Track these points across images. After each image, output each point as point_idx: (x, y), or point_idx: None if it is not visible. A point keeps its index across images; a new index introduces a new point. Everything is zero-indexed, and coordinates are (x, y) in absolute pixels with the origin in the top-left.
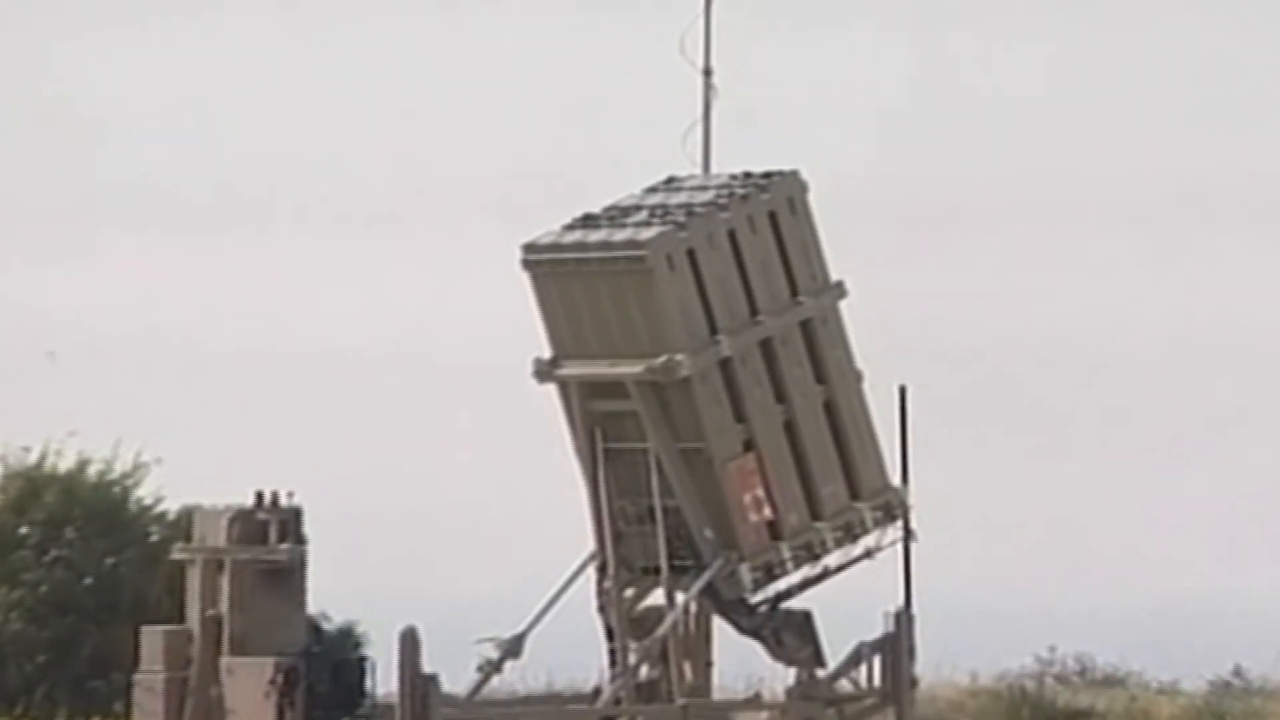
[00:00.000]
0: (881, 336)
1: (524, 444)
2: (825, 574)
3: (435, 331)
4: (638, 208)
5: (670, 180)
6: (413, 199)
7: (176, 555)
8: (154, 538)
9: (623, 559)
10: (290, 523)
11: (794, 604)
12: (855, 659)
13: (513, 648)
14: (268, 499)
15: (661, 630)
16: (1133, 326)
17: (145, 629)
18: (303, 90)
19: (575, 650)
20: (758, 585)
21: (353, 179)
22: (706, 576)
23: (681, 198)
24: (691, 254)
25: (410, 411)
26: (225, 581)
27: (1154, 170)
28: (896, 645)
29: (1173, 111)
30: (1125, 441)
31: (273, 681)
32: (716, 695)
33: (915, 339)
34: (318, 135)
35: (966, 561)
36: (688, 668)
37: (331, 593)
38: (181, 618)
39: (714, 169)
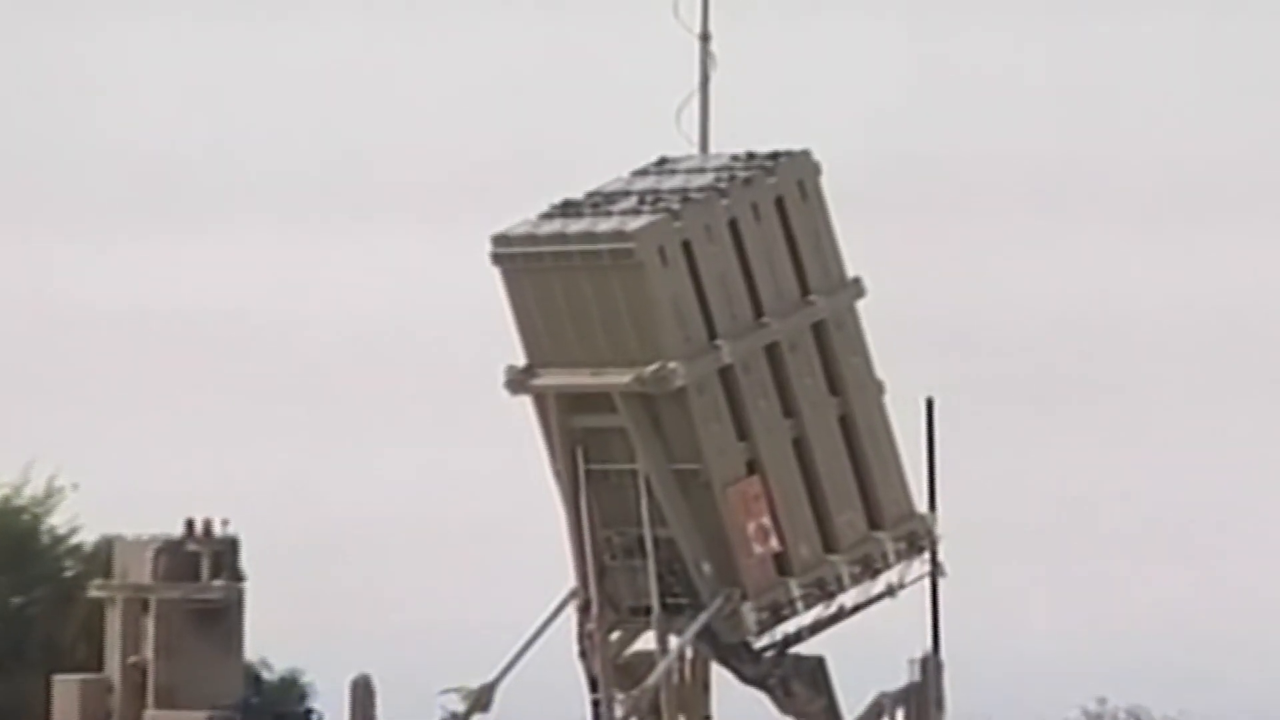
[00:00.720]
0: (901, 339)
1: (496, 464)
2: (841, 614)
3: (395, 336)
4: (625, 193)
5: (662, 161)
6: (361, 185)
7: (94, 593)
8: (68, 573)
9: (608, 597)
10: (225, 555)
11: (805, 649)
12: (876, 712)
13: (481, 699)
14: (199, 528)
15: (653, 679)
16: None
17: (58, 678)
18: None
19: (553, 702)
20: (763, 627)
21: (300, 157)
22: (704, 618)
23: (675, 181)
24: (687, 246)
25: (367, 425)
26: (150, 623)
27: (1182, 154)
28: (923, 696)
29: (1196, 92)
30: (1196, 452)
31: None
32: None
33: (940, 342)
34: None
35: (1002, 598)
36: None
37: (273, 636)
38: (100, 666)
39: (712, 148)
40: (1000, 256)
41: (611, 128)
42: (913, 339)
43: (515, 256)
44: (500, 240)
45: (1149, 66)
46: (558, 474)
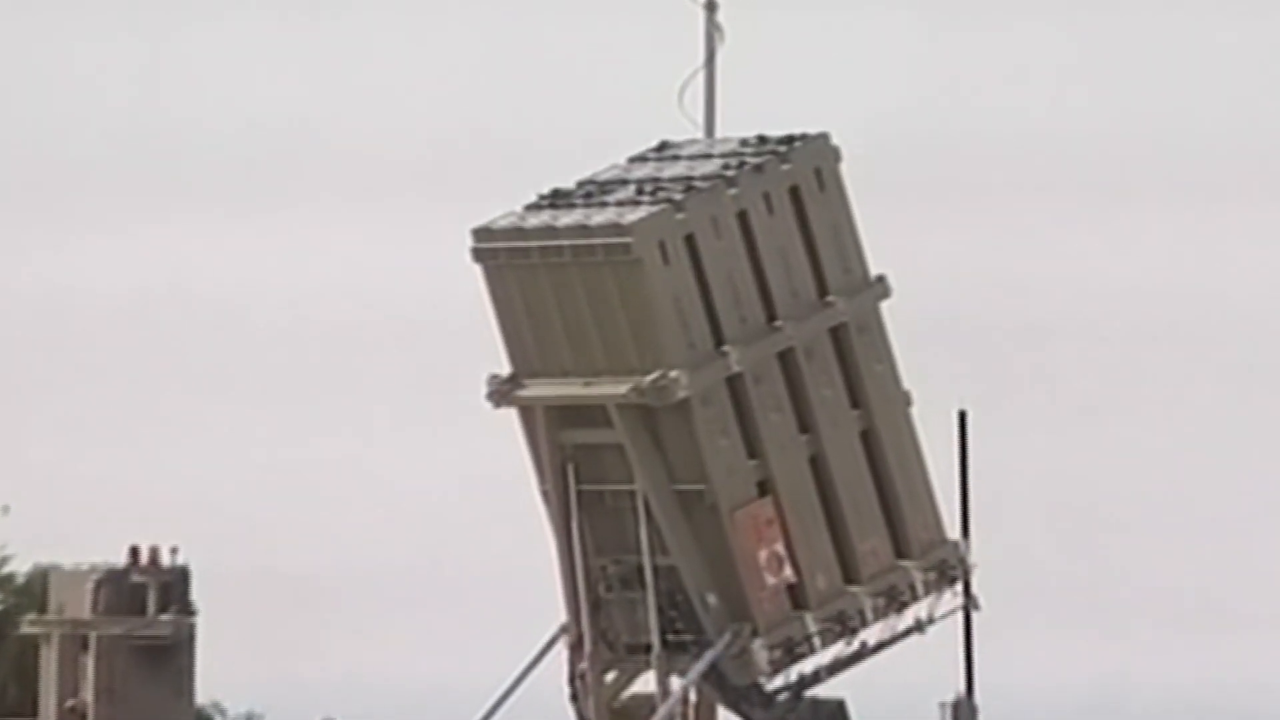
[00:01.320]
0: (930, 344)
1: (479, 483)
2: (863, 653)
3: (360, 339)
4: (622, 182)
5: (663, 146)
6: (311, 169)
7: (27, 629)
8: None
9: (602, 633)
10: (174, 587)
11: (823, 691)
12: None
13: None
14: (145, 557)
15: None
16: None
17: None
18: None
19: None
20: (776, 667)
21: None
22: (710, 656)
23: (678, 169)
24: (690, 241)
25: (327, 439)
26: (90, 663)
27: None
28: None
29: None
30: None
31: None
32: None
33: (974, 348)
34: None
35: (1042, 634)
36: None
37: (227, 676)
38: (34, 710)
39: (719, 131)
40: (1039, 247)
41: (606, 108)
42: (943, 344)
43: (498, 252)
44: (482, 234)
45: (1181, 46)
46: (546, 495)
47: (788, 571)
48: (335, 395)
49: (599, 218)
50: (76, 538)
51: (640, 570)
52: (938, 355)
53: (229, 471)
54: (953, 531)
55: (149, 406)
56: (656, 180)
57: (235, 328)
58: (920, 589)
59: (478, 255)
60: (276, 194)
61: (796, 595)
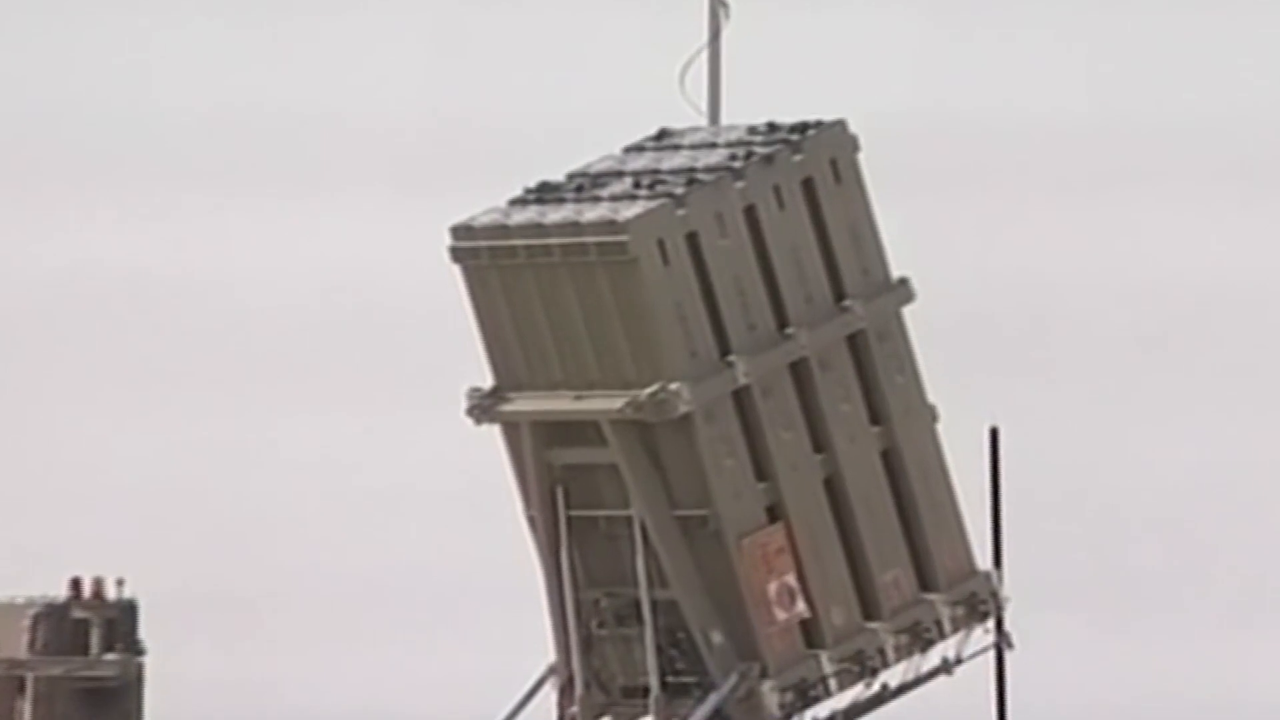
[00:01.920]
0: (958, 352)
1: (458, 507)
2: (884, 696)
3: (341, 341)
4: (616, 174)
5: (662, 135)
6: (284, 158)
7: None
8: None
9: (595, 674)
10: (120, 623)
11: None
12: None
13: None
14: (88, 589)
15: None
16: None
17: None
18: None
19: None
20: (788, 712)
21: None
22: (715, 700)
23: (678, 160)
24: (693, 239)
25: (293, 453)
26: (27, 707)
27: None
28: None
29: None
30: None
31: None
32: None
33: (1006, 356)
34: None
35: (1083, 676)
36: None
37: None
38: None
39: (725, 118)
40: (1079, 246)
41: (599, 92)
42: (972, 352)
43: (480, 251)
44: (461, 231)
45: (1211, 33)
46: (532, 521)
47: (800, 606)
48: (302, 396)
49: (591, 214)
50: (11, 568)
51: (637, 604)
52: (966, 365)
53: (179, 490)
54: (983, 561)
55: (85, 418)
56: (655, 172)
57: (188, 333)
58: (947, 625)
59: (457, 255)
60: (253, 183)
61: (810, 632)
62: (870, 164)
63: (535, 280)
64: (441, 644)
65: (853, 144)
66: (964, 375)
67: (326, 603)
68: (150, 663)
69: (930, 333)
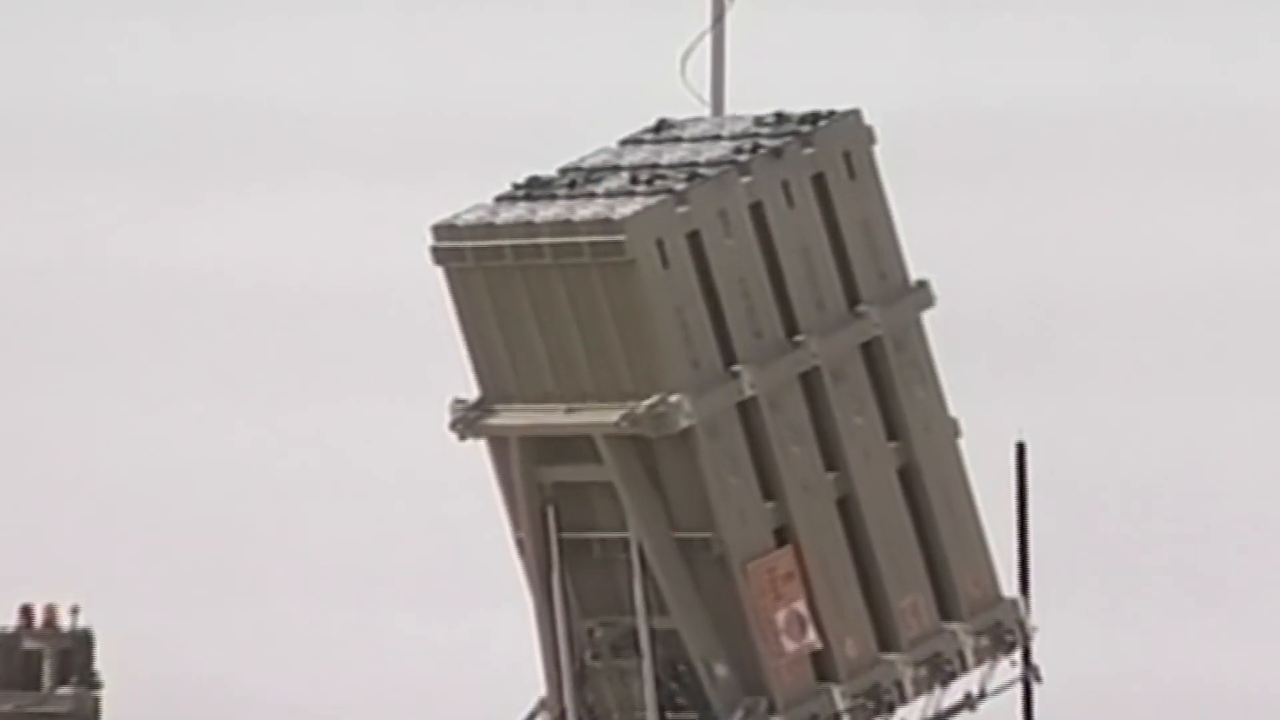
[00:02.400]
0: (981, 361)
1: (441, 530)
2: None
3: (323, 342)
4: (612, 168)
5: (662, 126)
6: (260, 149)
7: None
8: None
9: (590, 709)
10: (75, 655)
11: None
12: None
13: None
14: (39, 617)
15: None
16: None
17: None
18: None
19: None
20: None
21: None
22: None
23: (679, 153)
24: (695, 239)
25: (266, 466)
26: None
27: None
28: None
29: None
30: None
31: None
32: None
33: (1033, 365)
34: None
35: (1117, 710)
36: None
37: None
38: None
39: (729, 108)
40: (1107, 246)
41: (593, 80)
42: (997, 361)
43: (465, 252)
44: (444, 231)
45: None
46: (521, 544)
47: (811, 636)
48: (291, 411)
49: (585, 211)
50: None
51: (634, 634)
52: (991, 375)
53: (135, 510)
54: (1009, 588)
55: (49, 418)
56: (654, 167)
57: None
58: (970, 657)
59: (439, 256)
60: (235, 176)
61: (822, 664)
62: (887, 158)
63: (524, 283)
64: (442, 644)
65: (868, 136)
66: (988, 386)
67: (321, 603)
68: (106, 697)
69: (952, 340)
